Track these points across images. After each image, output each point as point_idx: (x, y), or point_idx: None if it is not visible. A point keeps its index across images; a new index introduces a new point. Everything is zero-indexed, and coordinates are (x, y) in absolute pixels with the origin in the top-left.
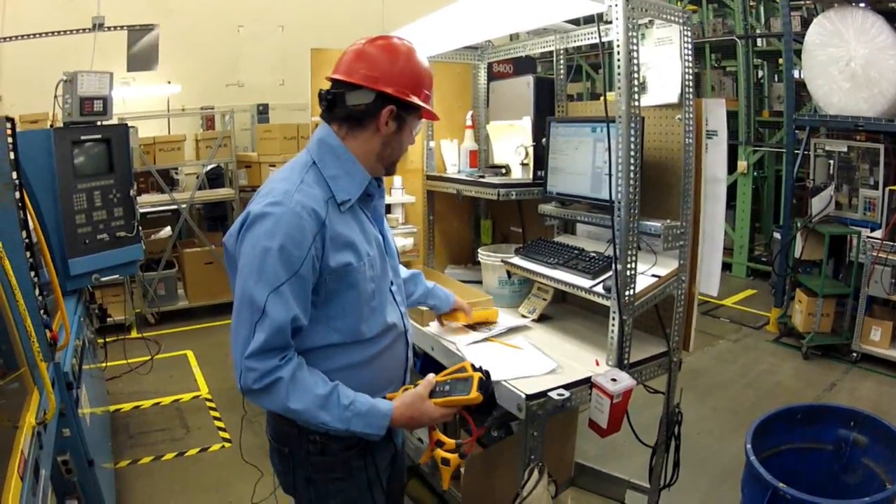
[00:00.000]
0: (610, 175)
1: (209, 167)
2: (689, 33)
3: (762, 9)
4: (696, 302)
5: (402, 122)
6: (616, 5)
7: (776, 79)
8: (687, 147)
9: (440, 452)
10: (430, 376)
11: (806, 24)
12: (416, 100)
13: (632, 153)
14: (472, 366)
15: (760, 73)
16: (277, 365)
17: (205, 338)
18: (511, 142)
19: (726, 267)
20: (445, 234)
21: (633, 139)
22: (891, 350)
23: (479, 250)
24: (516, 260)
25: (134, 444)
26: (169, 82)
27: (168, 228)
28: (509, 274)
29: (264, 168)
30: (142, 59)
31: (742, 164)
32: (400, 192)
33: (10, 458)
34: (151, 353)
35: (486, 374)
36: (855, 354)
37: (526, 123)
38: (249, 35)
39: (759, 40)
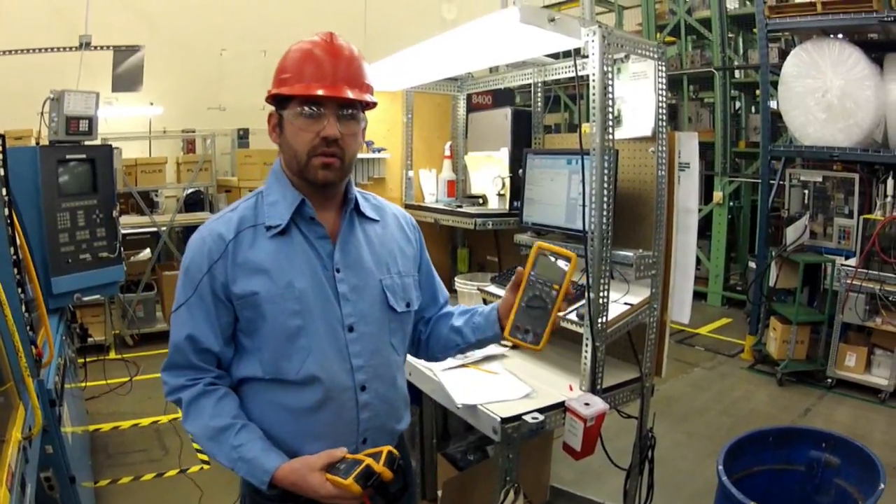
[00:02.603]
0: (584, 206)
1: (188, 191)
2: (664, 68)
3: (741, 41)
4: (668, 329)
5: (282, 121)
6: (593, 41)
7: (753, 110)
8: (660, 179)
9: None
10: (340, 450)
11: (783, 55)
12: (272, 90)
13: (605, 185)
14: (390, 453)
15: (738, 105)
16: (183, 385)
17: None
18: (489, 172)
19: (701, 296)
20: None
21: (606, 171)
22: (866, 375)
23: (455, 278)
24: (492, 288)
25: (113, 464)
26: (151, 104)
27: (147, 250)
28: (485, 301)
29: (244, 193)
30: (127, 79)
31: (718, 195)
32: None
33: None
34: (130, 375)
35: (393, 465)
36: (830, 380)
37: (503, 155)
38: (232, 58)
39: (736, 72)
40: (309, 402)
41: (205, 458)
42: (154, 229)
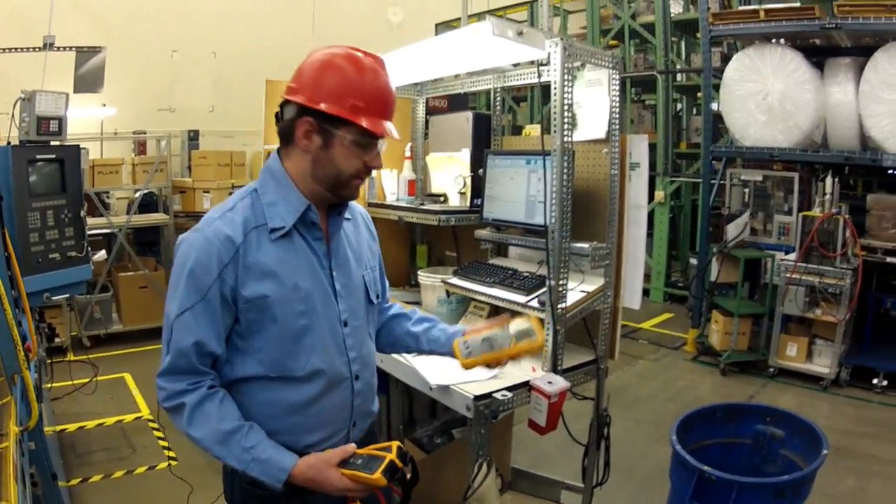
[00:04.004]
0: (545, 202)
1: (142, 192)
2: (617, 76)
3: (683, 45)
4: (620, 315)
5: (330, 137)
6: (555, 52)
7: (695, 112)
8: (612, 177)
9: None
10: (350, 446)
11: (726, 59)
12: (325, 107)
13: (564, 183)
14: (400, 448)
15: (680, 107)
16: (184, 389)
17: (141, 361)
18: (450, 172)
19: (644, 292)
20: (384, 259)
21: (565, 170)
22: (807, 364)
23: (418, 272)
24: (455, 280)
25: (82, 463)
26: (104, 105)
27: (103, 252)
28: (448, 293)
29: (198, 194)
30: (88, 80)
31: (659, 194)
32: None
33: (4, 463)
34: (93, 375)
35: (406, 459)
36: (772, 369)
37: (464, 155)
38: (183, 60)
39: (679, 75)
40: (310, 395)
41: (172, 454)
42: (107, 231)
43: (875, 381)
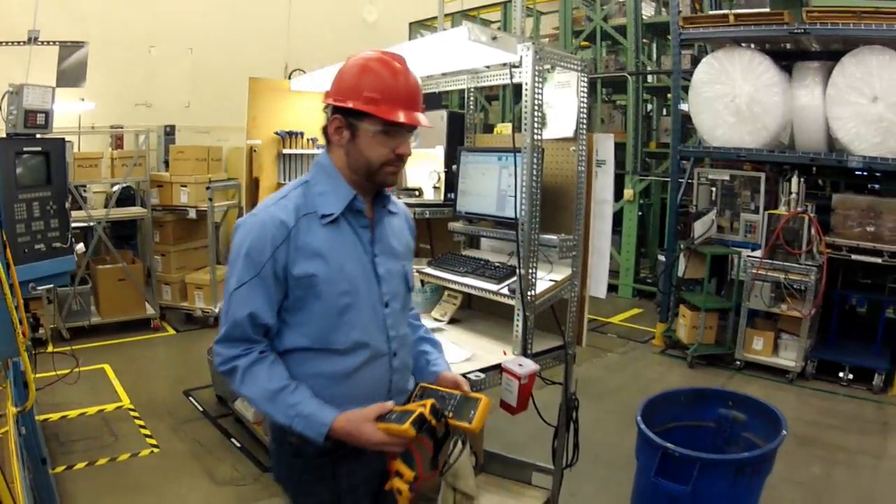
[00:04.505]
0: (515, 197)
1: (121, 186)
2: (585, 78)
3: (654, 47)
4: (587, 303)
5: (356, 130)
6: (527, 55)
7: (665, 112)
8: (580, 174)
9: (397, 482)
10: (388, 403)
11: (696, 62)
12: (350, 104)
13: (534, 178)
14: (434, 405)
15: (650, 107)
16: (237, 354)
17: (120, 352)
18: (424, 168)
19: (613, 288)
20: None
21: (535, 167)
22: (773, 358)
23: None
24: (430, 270)
25: (66, 452)
26: (82, 99)
27: (81, 245)
28: (423, 282)
29: (176, 188)
30: (71, 75)
31: (629, 192)
32: None
33: (5, 443)
34: (75, 364)
35: (438, 415)
36: (738, 362)
37: (439, 152)
38: (160, 56)
39: (649, 76)
40: (352, 367)
41: (154, 441)
42: (84, 224)
43: (841, 374)
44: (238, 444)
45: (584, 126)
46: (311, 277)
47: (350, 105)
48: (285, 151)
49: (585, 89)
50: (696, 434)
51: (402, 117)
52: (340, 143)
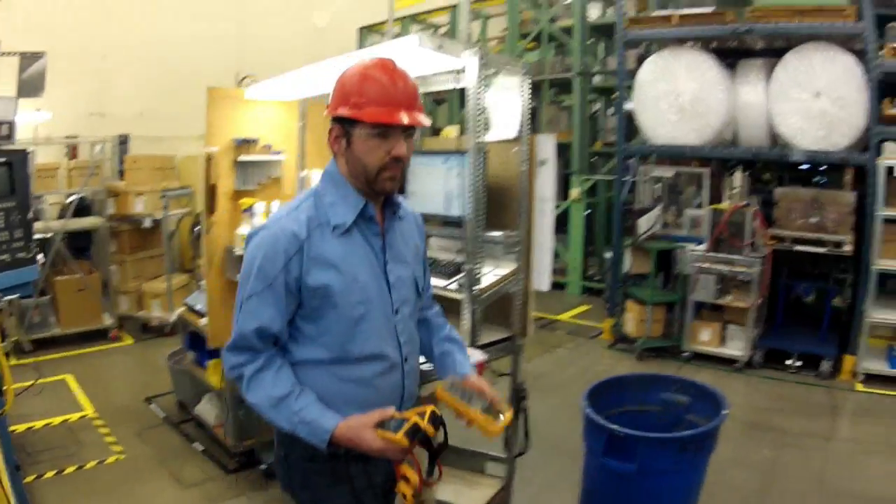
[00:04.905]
0: (461, 196)
1: (77, 196)
2: (528, 83)
3: (602, 47)
4: (532, 296)
5: (350, 136)
6: (472, 62)
7: (611, 112)
8: (522, 173)
9: (402, 486)
10: (389, 409)
11: (642, 61)
12: (340, 112)
13: (478, 178)
14: (433, 412)
15: (597, 107)
16: (244, 362)
17: (81, 363)
18: None
19: (561, 286)
20: None
21: (479, 167)
22: (721, 348)
23: None
24: None
25: (34, 462)
26: (39, 110)
27: (41, 255)
28: None
29: (131, 197)
30: (31, 85)
31: (575, 192)
32: None
33: None
34: (38, 377)
35: (436, 423)
36: (686, 354)
37: None
38: (114, 65)
39: (595, 77)
40: (366, 376)
41: (119, 448)
42: (42, 236)
43: (788, 361)
44: (201, 448)
45: (527, 127)
46: (325, 288)
47: (340, 112)
48: (241, 158)
49: (529, 92)
50: (641, 418)
51: (385, 117)
52: (340, 151)
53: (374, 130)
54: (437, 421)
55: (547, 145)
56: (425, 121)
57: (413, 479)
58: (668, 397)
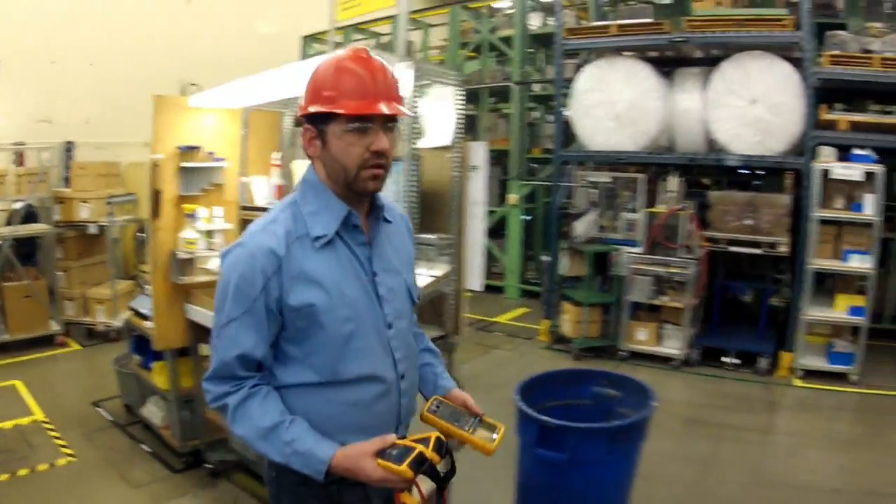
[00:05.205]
0: (397, 200)
1: (24, 203)
2: (462, 92)
3: (541, 57)
4: (464, 296)
5: (325, 136)
6: (407, 74)
7: (551, 119)
8: (455, 179)
9: None
10: (391, 436)
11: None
12: (313, 108)
13: (412, 184)
14: (438, 439)
15: (536, 115)
16: (227, 391)
17: (30, 368)
18: None
19: (499, 290)
20: None
21: (413, 173)
22: (657, 347)
23: None
24: None
25: None
26: None
27: None
28: None
29: (76, 204)
30: None
31: (513, 197)
32: (221, 220)
33: None
34: None
35: (442, 451)
36: (623, 353)
37: None
38: (61, 72)
39: (535, 85)
40: (360, 399)
41: (70, 451)
42: None
43: (726, 359)
44: (148, 450)
45: (460, 135)
46: (310, 307)
47: (313, 110)
48: (185, 164)
49: (463, 102)
50: (574, 411)
51: (362, 108)
52: (316, 154)
53: (350, 125)
54: (441, 448)
55: (478, 152)
56: (405, 111)
57: None
58: (599, 391)
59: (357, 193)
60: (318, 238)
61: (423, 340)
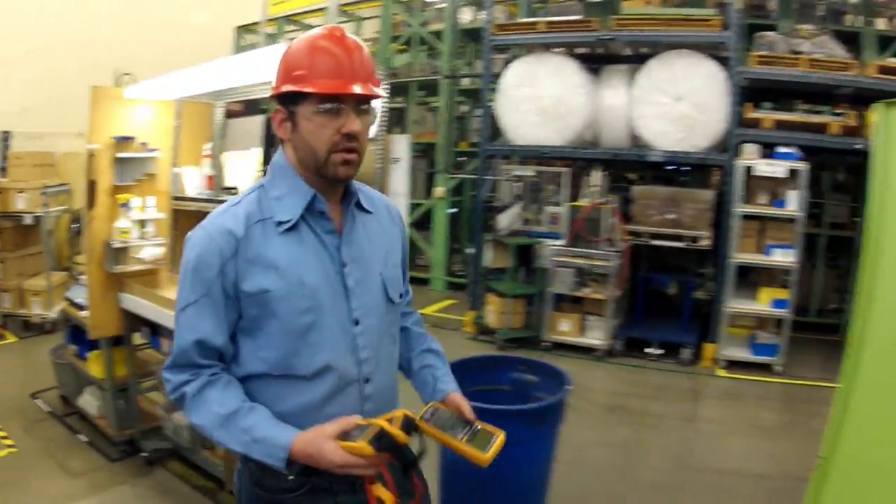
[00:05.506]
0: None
1: None
2: (388, 86)
3: (472, 51)
4: None
5: (295, 117)
6: None
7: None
8: (377, 170)
9: None
10: (353, 417)
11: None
12: (283, 88)
13: None
14: (406, 417)
15: (465, 108)
16: (186, 380)
17: None
18: (243, 168)
19: (425, 282)
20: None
21: None
22: (580, 338)
23: None
24: None
25: None
26: None
27: None
28: None
29: (12, 194)
30: None
31: (439, 190)
32: (153, 209)
33: None
34: None
35: (409, 429)
36: (546, 344)
37: (257, 153)
38: None
39: (464, 79)
40: (318, 397)
41: (10, 442)
42: None
43: (649, 350)
44: (86, 439)
45: (384, 128)
46: (264, 294)
47: (283, 89)
48: (120, 155)
49: (387, 95)
50: (493, 396)
51: (332, 87)
52: (287, 136)
53: (320, 106)
54: (409, 426)
55: (401, 144)
56: (380, 92)
57: (388, 500)
58: (517, 377)
59: (328, 180)
60: (281, 222)
61: (425, 341)
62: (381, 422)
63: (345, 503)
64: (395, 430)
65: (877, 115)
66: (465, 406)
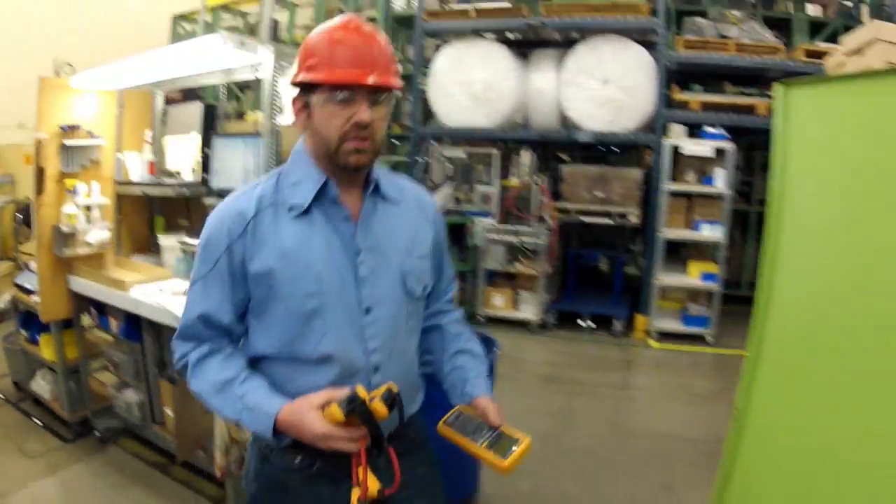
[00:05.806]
0: (258, 173)
1: None
2: None
3: (404, 36)
4: None
5: (310, 106)
6: (268, 57)
7: (412, 98)
8: None
9: (356, 491)
10: (343, 390)
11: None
12: (300, 77)
13: (271, 157)
14: (388, 390)
15: (398, 93)
16: (188, 350)
17: None
18: (183, 152)
19: None
20: (130, 230)
21: (272, 147)
22: (514, 312)
23: (158, 236)
24: (189, 240)
25: None
26: None
27: None
28: (184, 252)
29: None
30: None
31: None
32: (98, 195)
33: None
34: None
35: (391, 400)
36: (480, 318)
37: (196, 138)
38: None
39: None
40: (324, 382)
41: None
42: None
43: (581, 322)
44: (40, 423)
45: None
46: (268, 275)
47: (298, 79)
48: (66, 143)
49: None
50: None
51: (342, 76)
52: (305, 125)
53: (333, 95)
54: (391, 399)
55: None
56: (397, 82)
57: (372, 486)
58: None
59: (341, 168)
60: (293, 207)
61: (458, 342)
62: (358, 388)
63: (347, 496)
64: (367, 396)
65: (776, 95)
66: (492, 409)
